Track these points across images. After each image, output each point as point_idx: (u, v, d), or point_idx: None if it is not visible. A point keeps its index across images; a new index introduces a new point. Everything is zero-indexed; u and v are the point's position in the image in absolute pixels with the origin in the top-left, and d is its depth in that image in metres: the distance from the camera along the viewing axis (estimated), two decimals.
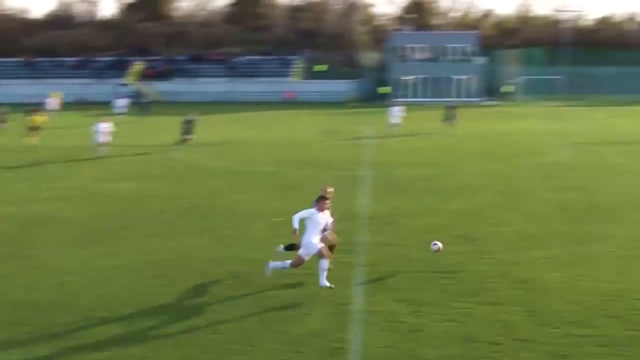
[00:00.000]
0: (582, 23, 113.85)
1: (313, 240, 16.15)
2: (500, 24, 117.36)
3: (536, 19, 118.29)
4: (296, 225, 16.14)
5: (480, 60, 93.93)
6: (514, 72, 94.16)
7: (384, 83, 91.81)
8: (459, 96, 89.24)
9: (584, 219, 23.64)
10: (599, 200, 26.72)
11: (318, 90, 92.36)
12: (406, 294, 16.09)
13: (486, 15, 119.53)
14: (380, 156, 39.29)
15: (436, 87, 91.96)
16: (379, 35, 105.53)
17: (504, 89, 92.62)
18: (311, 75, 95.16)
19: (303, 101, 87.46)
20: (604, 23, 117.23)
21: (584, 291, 16.26)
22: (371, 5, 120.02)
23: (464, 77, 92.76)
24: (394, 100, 69.00)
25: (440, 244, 17.86)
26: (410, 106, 63.77)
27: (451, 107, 53.53)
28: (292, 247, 17.31)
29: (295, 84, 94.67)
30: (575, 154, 40.07)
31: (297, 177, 32.65)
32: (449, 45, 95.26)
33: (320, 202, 16.40)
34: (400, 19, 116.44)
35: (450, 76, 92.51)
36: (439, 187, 29.48)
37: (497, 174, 33.16)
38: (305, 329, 14.13)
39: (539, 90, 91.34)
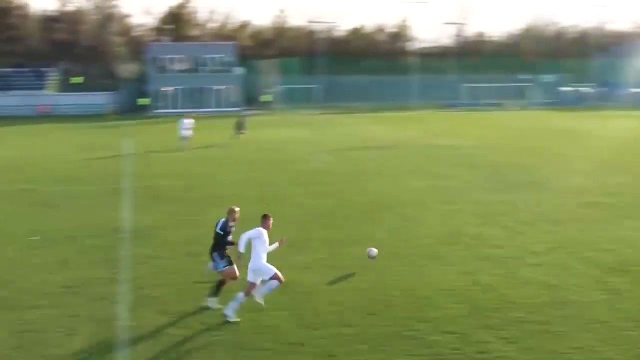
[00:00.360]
0: (335, 34, 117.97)
1: (265, 263, 15.17)
2: (258, 34, 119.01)
3: (292, 29, 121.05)
4: (242, 248, 15.05)
5: (239, 71, 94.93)
6: (272, 81, 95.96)
7: (143, 94, 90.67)
8: (218, 106, 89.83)
9: (343, 223, 24.50)
10: (357, 204, 27.82)
11: (75, 103, 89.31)
12: (171, 306, 15.92)
13: (243, 26, 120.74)
14: (141, 169, 38.59)
15: (196, 97, 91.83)
16: (137, 46, 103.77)
17: (262, 98, 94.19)
18: (67, 87, 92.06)
19: (60, 115, 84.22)
20: (356, 34, 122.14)
21: (345, 292, 16.85)
22: (128, 16, 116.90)
23: (223, 87, 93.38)
24: (185, 112, 67.56)
25: (373, 250, 18.94)
26: (172, 117, 63.30)
27: (242, 117, 53.79)
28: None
29: (50, 97, 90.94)
30: (331, 160, 41.40)
31: (53, 193, 31.33)
32: (208, 56, 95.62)
33: (266, 220, 15.57)
34: (158, 30, 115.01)
35: (210, 86, 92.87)
36: (200, 198, 29.44)
37: (257, 183, 33.57)
38: (69, 351, 13.60)
39: (296, 99, 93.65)
